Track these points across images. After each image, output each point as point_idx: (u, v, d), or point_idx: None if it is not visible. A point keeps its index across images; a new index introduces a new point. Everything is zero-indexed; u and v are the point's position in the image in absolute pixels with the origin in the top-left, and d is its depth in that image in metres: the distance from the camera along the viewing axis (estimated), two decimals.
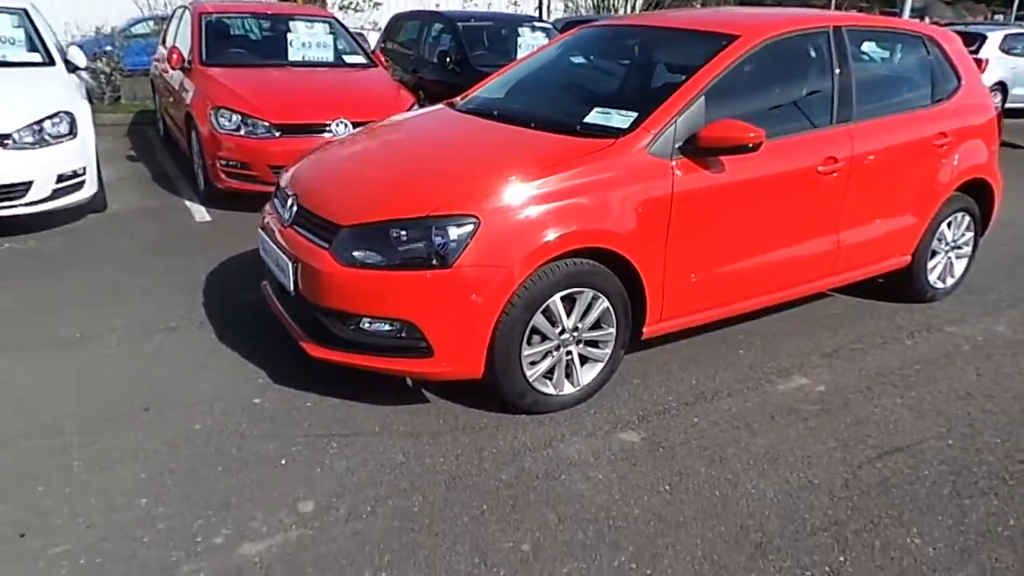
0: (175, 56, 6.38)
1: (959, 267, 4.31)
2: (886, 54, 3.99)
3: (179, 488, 2.37)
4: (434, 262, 2.54)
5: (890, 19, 4.83)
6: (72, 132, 4.95)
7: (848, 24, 3.55)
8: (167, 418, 2.76)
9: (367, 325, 2.64)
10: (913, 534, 2.29)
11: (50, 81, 5.38)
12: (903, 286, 4.15)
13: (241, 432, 2.69)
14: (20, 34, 5.78)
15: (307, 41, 7.02)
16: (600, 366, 2.97)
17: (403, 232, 2.58)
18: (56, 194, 4.81)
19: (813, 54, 3.43)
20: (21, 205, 4.68)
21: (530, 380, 2.80)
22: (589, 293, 2.81)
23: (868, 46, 3.78)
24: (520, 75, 3.97)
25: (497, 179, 2.68)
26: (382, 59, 7.46)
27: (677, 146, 2.90)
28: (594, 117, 3.07)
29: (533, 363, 2.80)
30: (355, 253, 2.62)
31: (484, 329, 2.60)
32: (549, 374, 2.86)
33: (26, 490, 2.33)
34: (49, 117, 4.84)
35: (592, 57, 4.12)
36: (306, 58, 6.87)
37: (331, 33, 7.10)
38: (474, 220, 2.56)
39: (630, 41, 4.05)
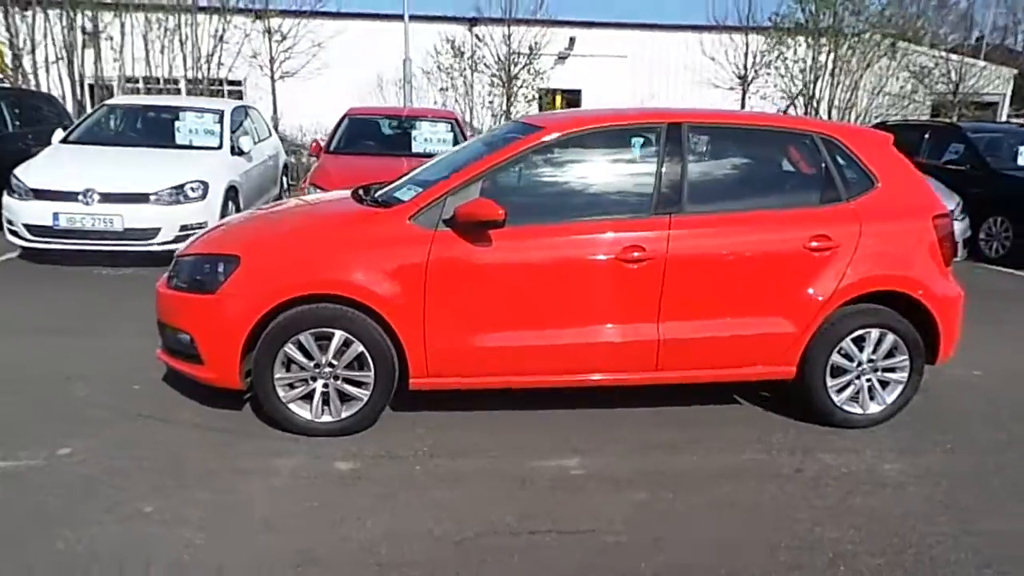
0: (314, 146, 8.11)
1: (891, 393, 3.73)
2: (754, 152, 3.77)
3: None
4: (207, 287, 3.29)
5: (771, 116, 4.40)
6: (204, 195, 6.70)
7: (693, 121, 3.57)
8: None
9: (172, 335, 3.45)
10: None
11: (208, 160, 7.32)
12: (801, 403, 3.76)
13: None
14: (215, 127, 7.94)
15: (429, 136, 8.38)
16: (360, 404, 3.38)
17: (196, 263, 3.37)
18: (177, 240, 6.50)
19: (636, 149, 3.53)
20: (151, 245, 6.46)
21: (285, 402, 3.33)
22: (341, 335, 3.29)
23: (727, 143, 3.67)
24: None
25: (271, 232, 3.37)
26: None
27: (443, 219, 3.29)
28: (401, 192, 3.59)
29: (291, 387, 3.34)
30: (173, 278, 3.47)
31: (235, 347, 3.24)
32: (308, 401, 3.36)
33: None
34: (188, 183, 6.65)
35: None
36: (426, 150, 8.15)
37: (451, 131, 8.36)
38: (236, 259, 3.27)
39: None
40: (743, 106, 15.58)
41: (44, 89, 12.57)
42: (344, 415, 3.39)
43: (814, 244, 3.49)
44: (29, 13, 12.82)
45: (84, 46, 13.53)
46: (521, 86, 15.08)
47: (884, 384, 3.73)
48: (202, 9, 13.47)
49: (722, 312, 3.51)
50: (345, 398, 3.39)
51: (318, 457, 3.21)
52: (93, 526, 2.62)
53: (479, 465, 3.21)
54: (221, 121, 7.93)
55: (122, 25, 13.27)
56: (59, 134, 7.53)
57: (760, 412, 3.92)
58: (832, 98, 14.50)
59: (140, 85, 14.00)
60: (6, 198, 6.48)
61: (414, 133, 8.30)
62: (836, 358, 3.64)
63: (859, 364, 3.67)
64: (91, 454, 3.13)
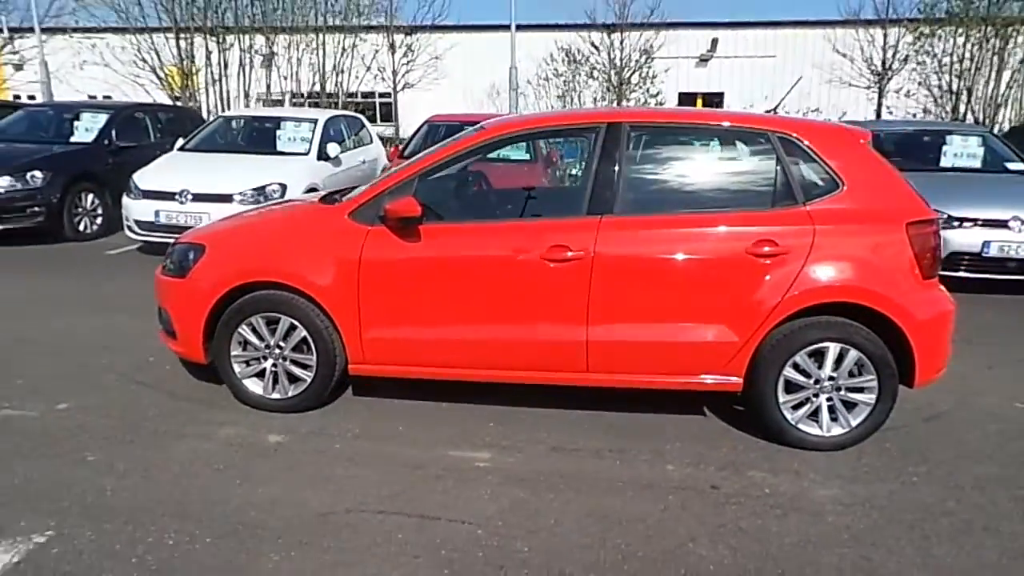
0: (393, 151, 8.64)
1: (857, 416, 3.40)
2: (702, 152, 3.55)
3: None
4: (179, 272, 3.73)
5: (726, 114, 3.94)
6: (282, 196, 7.40)
7: (634, 120, 3.47)
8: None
9: (161, 313, 3.94)
10: None
11: (294, 164, 8.05)
12: (754, 419, 3.53)
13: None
14: (308, 135, 8.71)
15: None
16: (305, 385, 3.67)
17: (178, 251, 3.83)
18: None
19: (573, 149, 3.51)
20: None
21: (240, 377, 3.70)
22: (287, 320, 3.60)
23: (674, 143, 3.50)
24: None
25: (235, 225, 3.75)
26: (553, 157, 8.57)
27: (378, 216, 3.50)
28: (356, 191, 3.84)
29: (247, 364, 3.70)
30: (165, 264, 3.96)
31: (198, 325, 3.66)
32: (261, 378, 3.71)
33: None
34: (268, 185, 7.39)
35: None
36: (500, 155, 8.40)
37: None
38: (203, 247, 3.69)
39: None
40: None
41: (209, 105, 14.37)
42: (291, 393, 3.69)
43: (758, 249, 3.28)
44: (199, 39, 14.73)
45: (242, 65, 15.27)
46: (633, 90, 14.88)
47: (850, 405, 3.41)
48: (332, 28, 14.70)
49: (655, 317, 3.39)
50: (293, 378, 3.69)
51: (256, 429, 3.54)
52: (41, 465, 3.11)
53: (392, 450, 3.37)
54: (313, 130, 8.69)
55: (271, 47, 14.85)
56: (179, 143, 8.66)
57: (722, 426, 3.72)
58: (994, 94, 12.89)
59: (288, 99, 15.54)
60: (125, 198, 7.58)
61: None
62: (790, 372, 3.38)
63: (817, 381, 3.39)
64: (78, 411, 3.69)
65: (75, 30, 14.77)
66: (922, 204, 3.40)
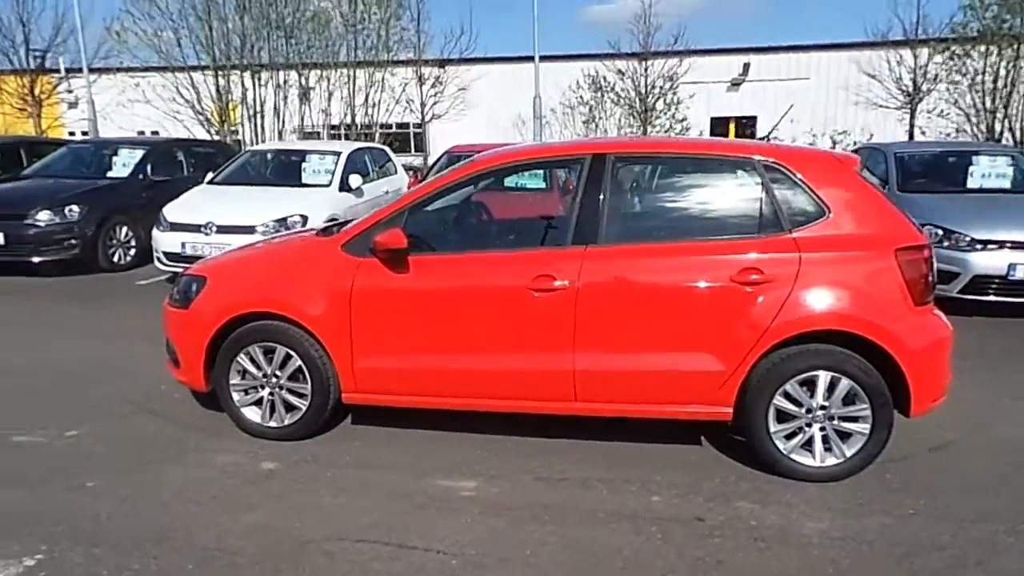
0: (412, 181, 8.80)
1: (852, 446, 3.33)
2: (687, 181, 3.53)
3: None
4: (182, 303, 3.87)
5: (710, 143, 3.89)
6: (303, 227, 7.61)
7: (618, 151, 3.49)
8: None
9: (167, 342, 4.08)
10: None
11: (316, 196, 8.26)
12: (748, 449, 3.48)
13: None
14: (331, 167, 8.94)
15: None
16: (300, 413, 3.74)
17: (182, 283, 3.97)
18: None
19: (558, 180, 3.55)
20: None
21: (239, 406, 3.80)
22: (283, 350, 3.69)
23: (659, 173, 3.50)
24: None
25: (236, 257, 3.87)
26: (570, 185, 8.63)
27: (369, 248, 3.58)
28: (351, 224, 3.94)
29: (245, 392, 3.80)
30: (171, 295, 4.11)
31: (199, 353, 3.77)
32: (259, 406, 3.80)
33: None
34: (289, 216, 7.61)
35: None
36: (518, 184, 8.47)
37: None
38: (204, 279, 3.82)
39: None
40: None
41: (246, 139, 14.85)
42: (287, 422, 3.77)
43: (743, 278, 3.26)
44: (235, 76, 15.30)
45: (276, 100, 15.77)
46: (658, 117, 14.90)
47: (845, 435, 3.34)
48: (363, 64, 15.12)
49: (641, 346, 3.38)
50: (289, 407, 3.77)
51: (253, 457, 3.62)
52: (41, 490, 3.24)
53: (380, 478, 3.41)
54: (336, 162, 8.92)
55: (305, 82, 15.33)
56: (208, 176, 8.98)
57: (716, 456, 3.66)
58: None
59: (325, 132, 15.97)
60: (155, 230, 7.88)
61: None
62: (780, 402, 3.33)
63: (809, 410, 3.33)
64: (87, 438, 3.83)
65: (119, 70, 15.52)
66: (912, 230, 3.34)
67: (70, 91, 19.43)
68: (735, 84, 25.15)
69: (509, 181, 7.72)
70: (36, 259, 8.03)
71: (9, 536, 2.86)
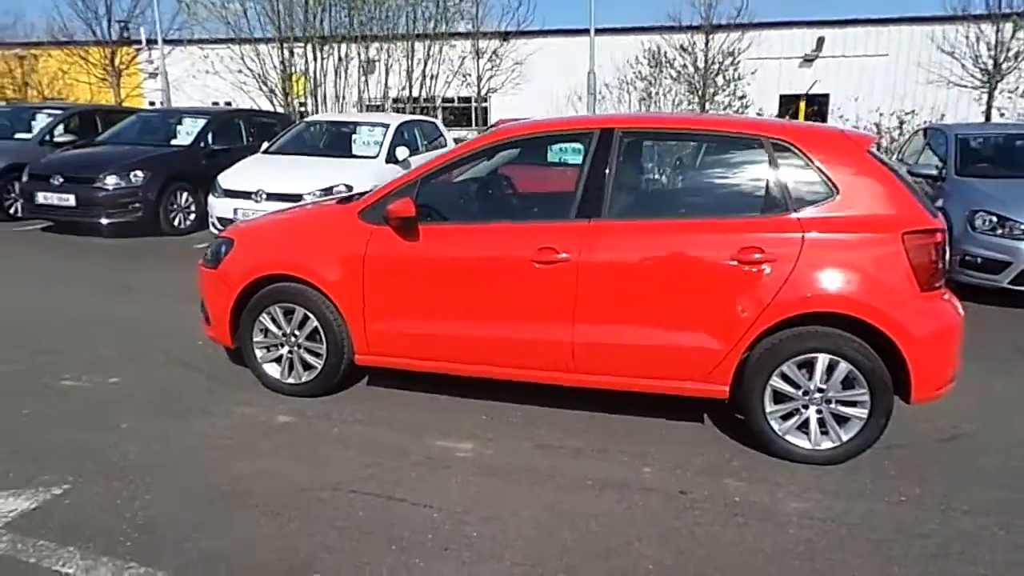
0: None
1: (849, 430, 3.30)
2: (694, 158, 3.49)
3: None
4: (213, 263, 4.12)
5: (720, 119, 3.74)
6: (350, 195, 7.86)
7: (626, 126, 3.50)
8: None
9: (201, 301, 4.35)
10: None
11: (363, 167, 8.49)
12: (745, 428, 3.50)
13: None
14: (379, 138, 9.15)
15: (563, 146, 8.73)
16: (316, 371, 3.95)
17: (214, 245, 4.22)
18: None
19: (567, 153, 3.59)
20: None
21: (261, 362, 4.04)
22: (301, 311, 3.90)
23: (666, 149, 3.48)
24: None
25: (262, 222, 4.09)
26: None
27: (383, 216, 3.73)
28: (369, 192, 4.09)
29: (267, 350, 4.04)
30: (204, 256, 4.36)
31: (225, 311, 4.02)
32: (279, 363, 4.03)
33: None
34: (335, 186, 7.86)
35: None
36: (561, 160, 8.49)
37: None
38: (232, 241, 4.05)
39: None
40: None
41: (310, 110, 15.25)
42: (304, 379, 3.99)
43: (743, 256, 3.25)
44: (298, 48, 15.69)
45: (337, 72, 16.10)
46: (715, 93, 14.53)
47: (842, 419, 3.32)
48: (422, 36, 15.26)
49: (640, 320, 3.42)
50: (306, 365, 3.99)
51: (270, 410, 3.85)
52: (80, 429, 3.55)
53: (384, 435, 3.59)
54: (385, 134, 9.12)
55: (367, 54, 15.58)
56: (264, 146, 9.33)
57: (716, 435, 3.68)
58: None
59: (389, 105, 16.18)
60: (210, 196, 8.28)
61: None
62: (777, 382, 3.33)
63: (806, 392, 3.32)
64: (125, 385, 4.15)
65: (191, 42, 16.16)
66: (924, 213, 3.25)
67: (151, 62, 20.35)
68: (807, 60, 24.17)
69: (552, 155, 7.81)
70: (104, 220, 8.56)
71: (44, 468, 3.17)
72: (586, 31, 14.02)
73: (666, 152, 3.61)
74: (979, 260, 6.44)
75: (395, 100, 16.06)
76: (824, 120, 22.84)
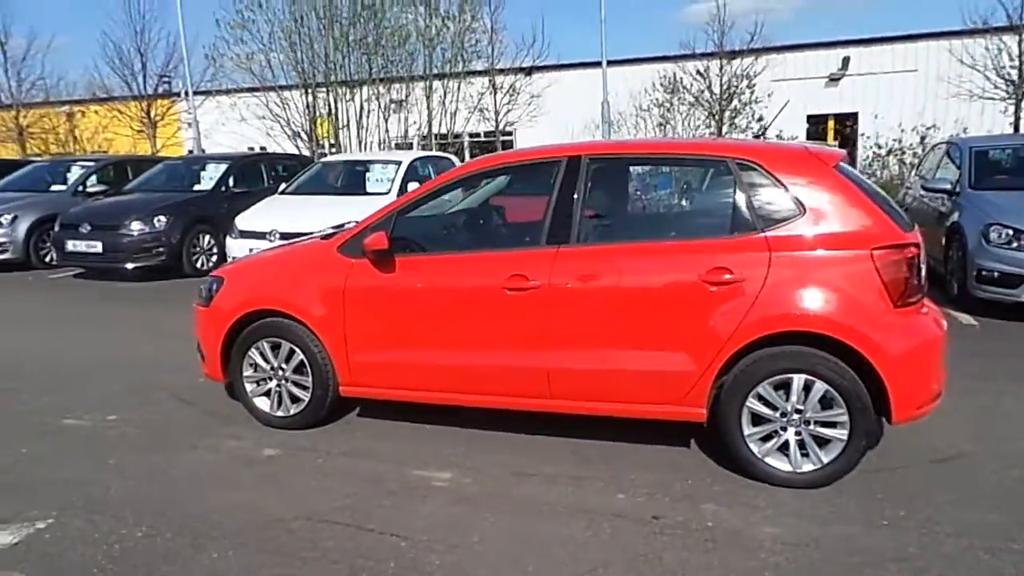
0: None
1: (829, 452, 3.22)
2: (662, 181, 3.48)
3: None
4: (205, 302, 4.25)
5: (685, 143, 3.70)
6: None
7: (593, 153, 3.54)
8: None
9: (198, 343, 4.48)
10: None
11: (374, 204, 8.59)
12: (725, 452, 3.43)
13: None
14: (391, 176, 9.34)
15: None
16: (303, 404, 4.02)
17: (206, 283, 4.35)
18: None
19: (535, 182, 3.64)
20: None
21: (251, 396, 4.13)
22: (288, 345, 3.98)
23: (633, 174, 3.49)
24: None
25: (250, 260, 4.22)
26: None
27: (361, 249, 3.81)
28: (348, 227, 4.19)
29: (257, 384, 4.13)
30: (200, 292, 4.50)
31: (216, 347, 4.13)
32: (269, 397, 4.11)
33: None
34: (347, 223, 8.01)
35: None
36: None
37: None
38: (222, 280, 4.18)
39: None
40: None
41: (341, 150, 15.68)
42: (292, 412, 4.06)
43: (712, 278, 3.23)
44: (321, 93, 16.20)
45: (360, 113, 16.54)
46: (733, 117, 14.50)
47: (822, 441, 3.23)
48: (440, 75, 15.63)
49: (612, 345, 3.41)
50: (294, 398, 4.06)
51: (258, 443, 3.92)
52: (71, 465, 3.67)
53: (365, 466, 3.62)
54: (396, 171, 9.32)
55: (389, 96, 16.00)
56: (282, 187, 9.62)
57: (701, 459, 3.61)
58: None
59: (417, 142, 16.52)
60: (227, 237, 8.55)
61: None
62: (754, 404, 3.27)
63: (784, 414, 3.25)
64: (122, 422, 4.27)
65: (219, 92, 16.86)
66: (894, 228, 3.19)
67: (190, 112, 21.27)
68: (833, 79, 23.95)
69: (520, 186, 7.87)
70: (129, 265, 8.90)
71: (33, 503, 3.27)
72: (599, 63, 14.18)
73: (634, 177, 3.63)
74: (995, 274, 6.25)
75: (423, 137, 16.38)
76: (853, 139, 22.54)
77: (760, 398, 3.26)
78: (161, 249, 9.00)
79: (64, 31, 43.68)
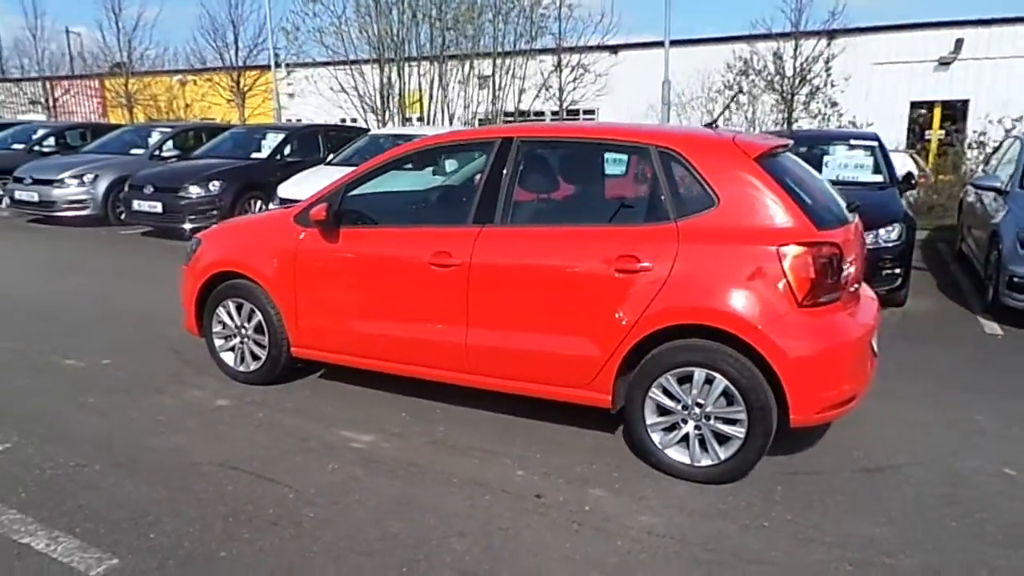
0: None
1: (727, 449, 3.16)
2: (585, 166, 3.42)
3: None
4: (187, 260, 4.59)
5: (613, 128, 3.49)
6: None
7: (525, 135, 3.55)
8: None
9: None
10: None
11: (409, 176, 8.91)
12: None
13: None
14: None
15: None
16: (261, 361, 4.30)
17: (191, 243, 4.69)
18: None
19: (470, 162, 3.70)
20: None
21: (219, 351, 4.46)
22: (248, 306, 4.27)
23: (560, 157, 3.46)
24: None
25: (224, 225, 4.51)
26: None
27: (310, 219, 4.02)
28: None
29: (225, 339, 4.44)
30: (187, 252, 4.84)
31: (191, 303, 4.47)
32: (234, 352, 4.42)
33: None
34: None
35: None
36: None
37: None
38: (200, 241, 4.51)
39: None
40: None
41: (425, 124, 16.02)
42: (252, 368, 4.36)
43: (620, 265, 3.22)
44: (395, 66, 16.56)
45: (433, 88, 16.81)
46: (807, 102, 13.74)
47: (722, 437, 3.18)
48: (510, 53, 15.62)
49: (524, 326, 3.47)
50: (255, 356, 4.35)
51: (216, 394, 4.24)
52: (52, 400, 4.10)
53: (296, 423, 3.85)
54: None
55: (465, 72, 16.17)
56: (329, 157, 10.03)
57: (618, 447, 3.60)
58: None
59: (499, 118, 16.62)
60: (270, 205, 9.04)
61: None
62: (657, 395, 3.26)
63: (685, 407, 3.22)
64: (112, 366, 4.71)
65: (298, 65, 17.63)
66: (808, 226, 3.05)
67: (289, 83, 22.30)
68: (944, 63, 22.17)
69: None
70: (186, 225, 9.58)
71: (2, 429, 3.71)
72: (660, 43, 13.78)
73: (560, 161, 3.63)
74: None
75: (507, 114, 16.35)
76: (962, 129, 20.86)
77: (663, 389, 3.24)
78: (215, 212, 9.61)
79: (170, 4, 46.78)
